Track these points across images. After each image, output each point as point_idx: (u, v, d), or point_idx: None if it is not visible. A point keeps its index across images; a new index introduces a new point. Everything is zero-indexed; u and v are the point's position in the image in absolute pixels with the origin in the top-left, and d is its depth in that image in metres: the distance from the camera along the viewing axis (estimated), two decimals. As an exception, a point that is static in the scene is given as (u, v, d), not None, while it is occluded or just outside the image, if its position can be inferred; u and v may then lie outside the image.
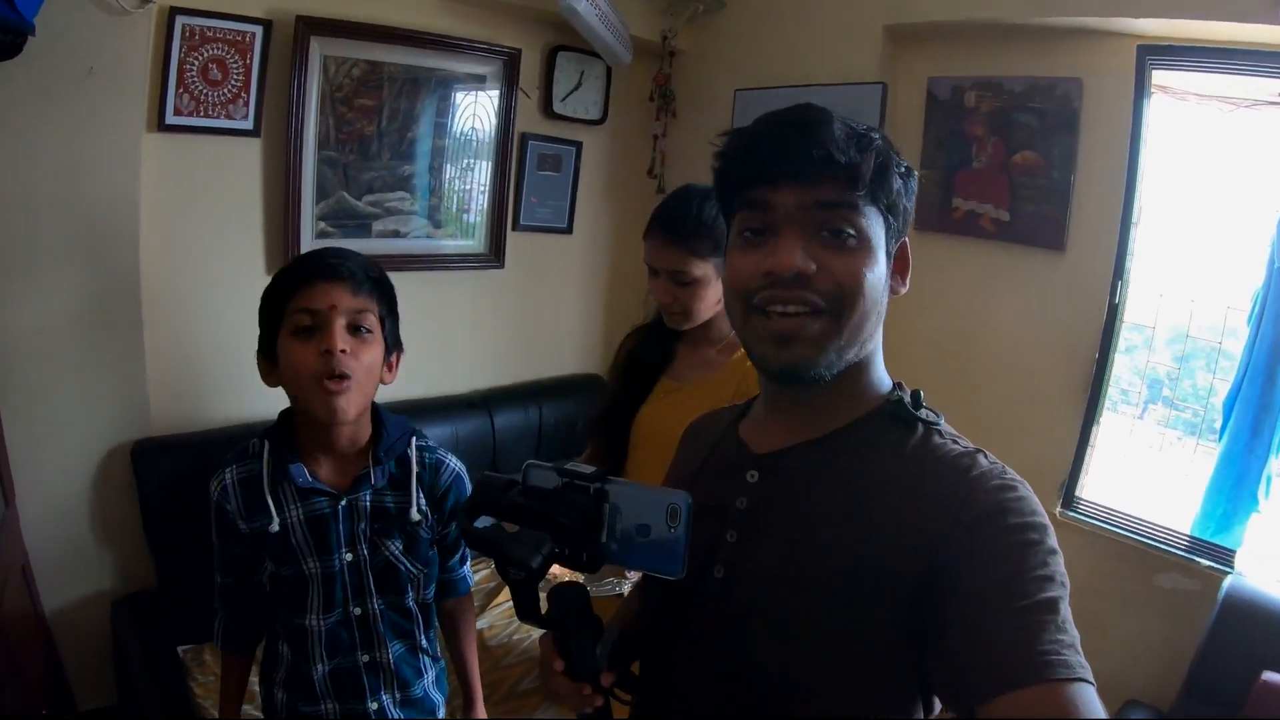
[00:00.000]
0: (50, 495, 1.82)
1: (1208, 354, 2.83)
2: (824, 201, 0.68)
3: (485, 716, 1.37)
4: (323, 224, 2.20)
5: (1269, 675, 1.70)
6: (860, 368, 0.74)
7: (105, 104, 1.77)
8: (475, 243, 2.58)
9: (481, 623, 2.10)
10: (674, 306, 1.37)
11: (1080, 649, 0.57)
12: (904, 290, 0.77)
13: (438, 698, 1.29)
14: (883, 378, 0.77)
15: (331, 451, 1.11)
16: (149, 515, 1.89)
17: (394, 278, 2.33)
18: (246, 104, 2.03)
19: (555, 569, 1.25)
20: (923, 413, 0.73)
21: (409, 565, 1.16)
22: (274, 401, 1.14)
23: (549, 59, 2.58)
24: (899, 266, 0.76)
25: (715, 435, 0.86)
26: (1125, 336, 2.45)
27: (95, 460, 1.88)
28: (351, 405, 1.05)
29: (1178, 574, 2.09)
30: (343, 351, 1.03)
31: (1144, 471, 2.46)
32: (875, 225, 0.70)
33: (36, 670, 1.65)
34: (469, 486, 1.22)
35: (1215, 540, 2.22)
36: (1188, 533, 2.22)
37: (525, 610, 0.71)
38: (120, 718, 1.87)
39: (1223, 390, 2.38)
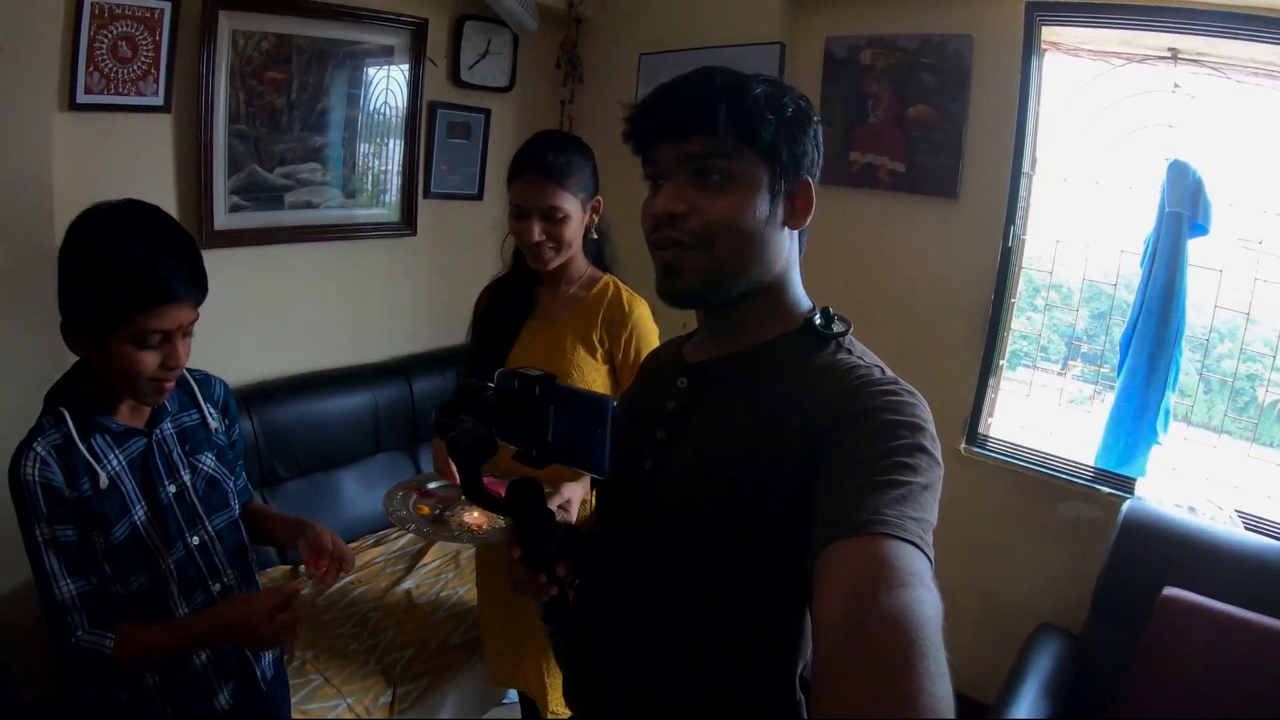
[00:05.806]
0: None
1: (1098, 295, 2.93)
2: (691, 153, 0.77)
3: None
4: (235, 197, 2.20)
5: (1170, 591, 1.76)
6: (773, 291, 0.83)
7: (15, 83, 1.72)
8: (388, 211, 2.59)
9: (409, 582, 2.14)
10: (546, 244, 1.43)
11: (929, 529, 0.61)
12: (803, 224, 0.83)
13: None
14: (801, 300, 0.86)
15: (126, 399, 1.12)
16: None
17: (308, 248, 2.45)
18: (157, 80, 2.03)
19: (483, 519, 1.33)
20: (835, 326, 0.82)
21: (224, 475, 1.20)
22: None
23: (456, 28, 2.61)
24: (800, 204, 0.82)
25: (664, 354, 0.98)
26: (1044, 296, 2.54)
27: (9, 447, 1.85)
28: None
29: (1080, 503, 2.17)
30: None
31: (1067, 422, 2.55)
32: (749, 167, 0.78)
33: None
34: None
35: (1118, 471, 2.30)
36: (1091, 464, 2.31)
37: (471, 490, 0.80)
38: (62, 707, 1.81)
39: (1115, 331, 2.47)
